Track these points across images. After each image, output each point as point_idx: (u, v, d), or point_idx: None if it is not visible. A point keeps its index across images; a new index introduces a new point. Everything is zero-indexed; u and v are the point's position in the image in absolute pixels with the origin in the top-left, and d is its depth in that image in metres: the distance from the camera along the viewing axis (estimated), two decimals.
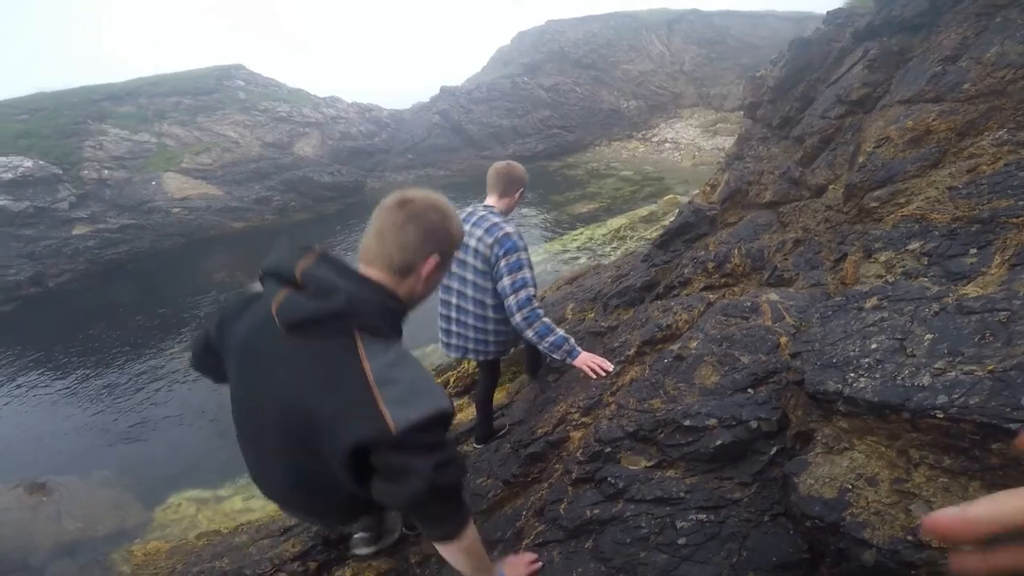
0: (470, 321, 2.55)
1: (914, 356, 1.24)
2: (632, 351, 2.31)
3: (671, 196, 11.77)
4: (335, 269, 1.12)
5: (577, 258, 9.89)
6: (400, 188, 1.26)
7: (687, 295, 2.97)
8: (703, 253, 3.37)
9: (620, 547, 1.57)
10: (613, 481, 1.76)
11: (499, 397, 3.84)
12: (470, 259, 2.40)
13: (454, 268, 2.47)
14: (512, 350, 2.93)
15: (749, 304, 2.19)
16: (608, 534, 1.66)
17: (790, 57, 6.93)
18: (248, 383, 1.21)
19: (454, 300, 2.56)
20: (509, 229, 2.33)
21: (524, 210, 12.44)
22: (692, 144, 17.50)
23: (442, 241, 1.20)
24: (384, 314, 1.11)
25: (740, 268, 2.93)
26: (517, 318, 2.30)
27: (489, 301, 2.47)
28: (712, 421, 1.67)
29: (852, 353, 1.37)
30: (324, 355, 1.06)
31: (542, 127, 19.64)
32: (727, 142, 15.06)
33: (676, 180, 14.03)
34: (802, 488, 1.29)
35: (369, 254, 1.16)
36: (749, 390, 1.76)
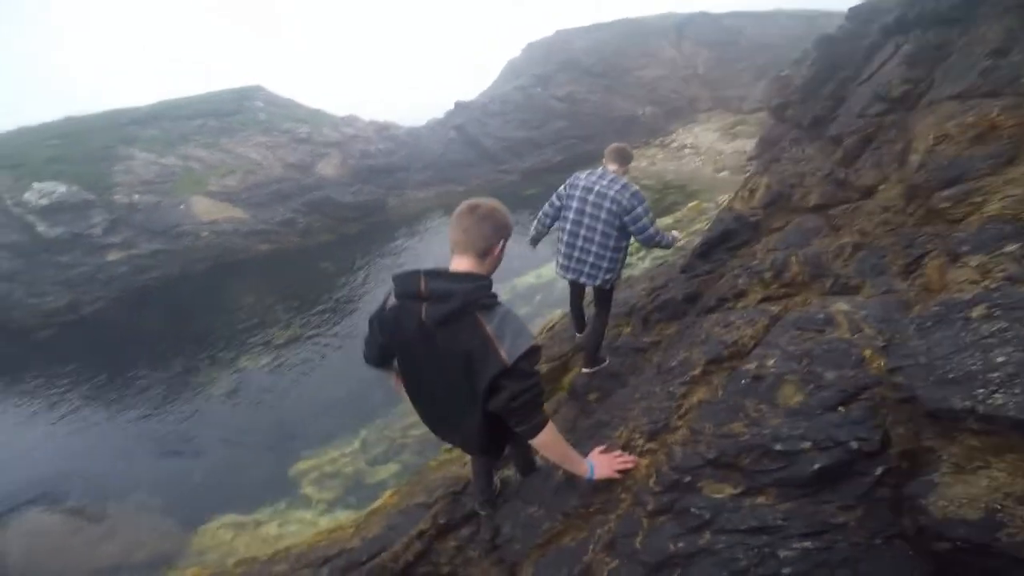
0: (593, 248, 3.28)
1: None
2: (698, 371, 2.20)
3: (696, 203, 11.57)
4: (443, 278, 1.65)
5: None
6: (468, 199, 1.74)
7: (744, 307, 2.86)
8: (756, 262, 3.25)
9: None
10: (697, 512, 1.66)
11: None
12: (607, 203, 3.17)
13: (589, 209, 3.23)
14: (615, 281, 3.57)
15: (822, 316, 2.08)
16: (697, 567, 1.56)
17: (817, 56, 6.76)
18: (428, 357, 1.75)
19: (583, 232, 3.28)
20: (637, 188, 3.21)
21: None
22: (712, 149, 17.23)
23: (506, 231, 1.71)
24: (483, 294, 1.63)
25: (799, 277, 2.81)
26: (651, 231, 3.20)
27: (611, 243, 3.25)
28: (807, 444, 1.57)
29: (974, 367, 1.27)
30: (465, 329, 1.62)
31: (558, 138, 19.47)
32: (747, 145, 14.77)
33: (699, 187, 13.78)
34: (936, 511, 1.19)
35: (460, 247, 1.67)
36: (840, 408, 1.65)
